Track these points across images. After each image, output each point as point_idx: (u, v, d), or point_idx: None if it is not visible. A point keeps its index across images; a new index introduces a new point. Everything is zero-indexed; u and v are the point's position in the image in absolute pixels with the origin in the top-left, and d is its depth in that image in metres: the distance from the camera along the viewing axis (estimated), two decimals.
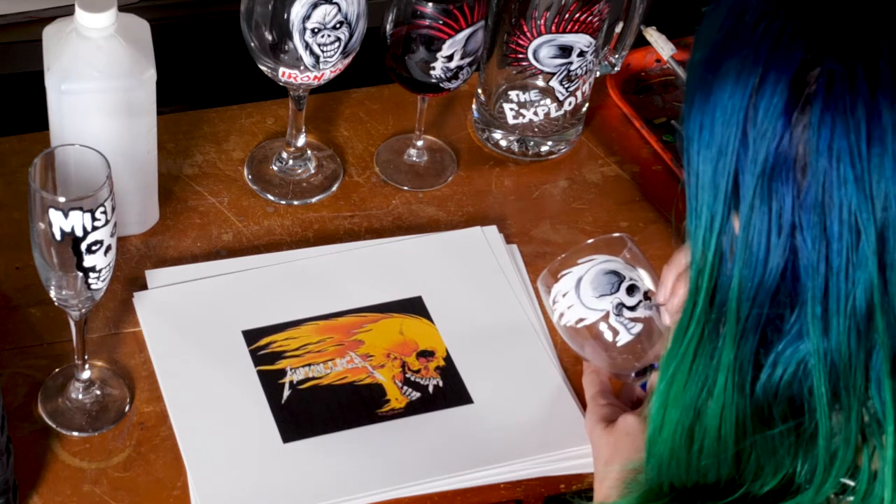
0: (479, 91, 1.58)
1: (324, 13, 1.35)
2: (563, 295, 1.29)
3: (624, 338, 1.27)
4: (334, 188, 1.53)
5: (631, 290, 1.27)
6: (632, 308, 1.27)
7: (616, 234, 1.31)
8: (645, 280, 1.28)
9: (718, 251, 0.92)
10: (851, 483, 0.94)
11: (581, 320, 1.28)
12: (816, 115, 0.85)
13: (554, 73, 1.51)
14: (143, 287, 1.40)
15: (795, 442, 0.94)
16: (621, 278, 1.27)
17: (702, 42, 0.93)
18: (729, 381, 0.93)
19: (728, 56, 0.89)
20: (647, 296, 1.28)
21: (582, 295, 1.28)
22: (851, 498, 0.94)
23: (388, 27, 1.44)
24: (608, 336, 1.27)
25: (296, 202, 1.51)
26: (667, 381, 0.97)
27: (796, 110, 0.86)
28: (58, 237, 1.15)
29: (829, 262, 0.87)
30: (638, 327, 1.27)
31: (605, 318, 1.27)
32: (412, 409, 1.33)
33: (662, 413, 0.98)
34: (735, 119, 0.88)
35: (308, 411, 1.32)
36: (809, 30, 0.86)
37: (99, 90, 1.33)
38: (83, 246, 1.16)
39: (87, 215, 1.14)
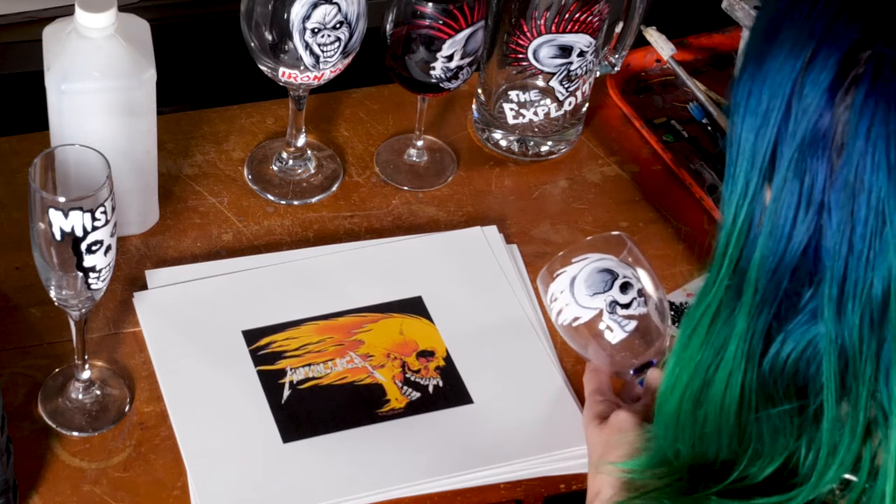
0: (479, 91, 1.58)
1: (324, 13, 1.35)
2: (560, 293, 1.29)
3: (618, 335, 1.27)
4: (334, 188, 1.53)
5: (624, 287, 1.27)
6: (625, 305, 1.27)
7: (614, 233, 1.31)
8: (641, 278, 1.29)
9: (748, 219, 0.92)
10: (855, 478, 0.94)
11: (576, 319, 1.28)
12: (860, 98, 0.85)
13: (554, 73, 1.51)
14: (143, 287, 1.40)
15: (799, 425, 0.94)
16: (615, 276, 1.28)
17: (765, 10, 0.93)
18: (739, 350, 0.94)
19: (786, 27, 0.89)
20: (641, 293, 1.28)
21: (576, 294, 1.28)
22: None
23: (388, 27, 1.44)
24: (603, 334, 1.27)
25: (296, 202, 1.51)
26: (683, 342, 0.98)
27: (841, 89, 0.86)
28: (58, 237, 1.15)
29: (851, 246, 0.87)
30: (632, 325, 1.27)
31: (600, 316, 1.27)
32: (412, 409, 1.33)
33: (676, 373, 0.99)
34: (782, 91, 0.88)
35: (308, 411, 1.32)
36: (868, 11, 0.86)
37: (99, 90, 1.33)
38: (83, 246, 1.16)
39: (87, 215, 1.14)
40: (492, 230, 1.49)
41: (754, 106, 0.90)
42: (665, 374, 1.01)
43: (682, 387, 0.98)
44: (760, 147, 0.90)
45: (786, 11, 0.90)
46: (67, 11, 1.34)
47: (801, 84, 0.87)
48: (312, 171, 1.54)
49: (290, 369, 1.35)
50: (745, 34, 1.65)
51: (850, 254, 0.88)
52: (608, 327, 1.27)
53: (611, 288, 1.27)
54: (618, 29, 1.58)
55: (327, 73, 1.41)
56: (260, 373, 1.34)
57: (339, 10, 1.36)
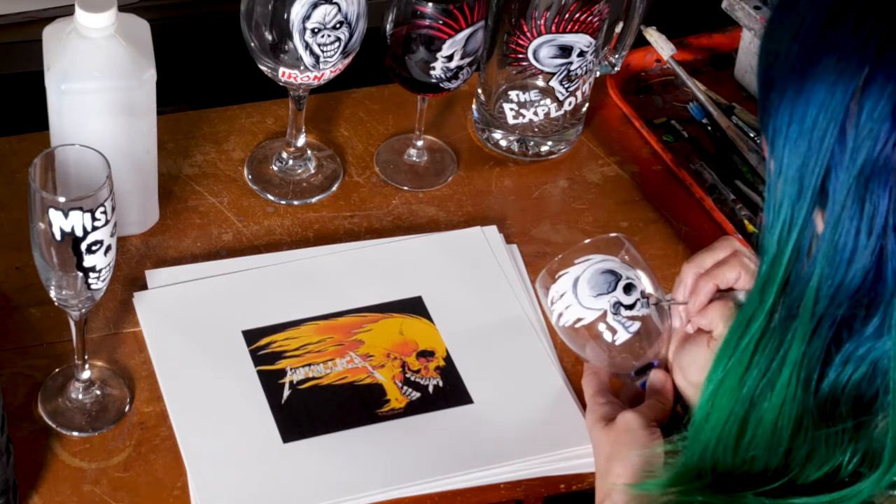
0: (479, 91, 1.58)
1: (324, 13, 1.35)
2: (561, 295, 1.29)
3: (622, 336, 1.27)
4: (334, 188, 1.53)
5: (628, 288, 1.27)
6: (629, 307, 1.27)
7: (613, 234, 1.31)
8: (642, 279, 1.29)
9: (797, 247, 0.90)
10: None
11: (579, 320, 1.28)
12: None
13: (554, 73, 1.51)
14: (143, 287, 1.40)
15: (851, 438, 0.93)
16: (618, 277, 1.27)
17: (789, 29, 0.89)
18: (794, 377, 0.92)
19: (828, 49, 0.86)
20: (644, 294, 1.28)
21: (579, 295, 1.28)
22: None
23: (388, 27, 1.44)
24: (606, 335, 1.27)
25: (296, 202, 1.51)
26: (721, 371, 0.96)
27: None
28: (58, 237, 1.15)
29: None
30: (636, 326, 1.27)
31: (603, 317, 1.27)
32: (412, 409, 1.33)
33: (712, 402, 0.97)
34: (833, 116, 0.86)
35: (308, 411, 1.32)
36: None
37: (99, 90, 1.33)
38: (83, 246, 1.16)
39: (87, 215, 1.14)
40: (492, 230, 1.49)
41: (797, 132, 0.87)
42: (700, 403, 0.99)
43: (722, 413, 0.97)
44: (809, 174, 0.87)
45: (824, 32, 0.87)
46: (67, 11, 1.34)
47: (858, 110, 0.85)
48: (312, 171, 1.54)
49: (290, 369, 1.35)
50: (746, 34, 1.65)
51: None
52: (612, 328, 1.27)
53: (615, 289, 1.27)
54: (618, 29, 1.58)
55: (327, 73, 1.41)
56: (260, 373, 1.34)
57: (339, 10, 1.36)
